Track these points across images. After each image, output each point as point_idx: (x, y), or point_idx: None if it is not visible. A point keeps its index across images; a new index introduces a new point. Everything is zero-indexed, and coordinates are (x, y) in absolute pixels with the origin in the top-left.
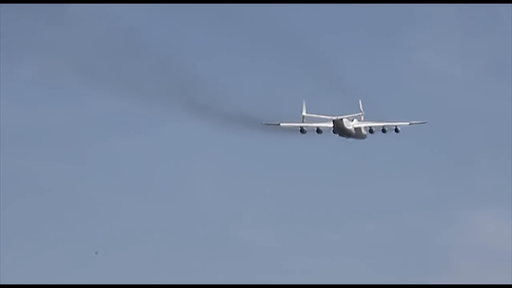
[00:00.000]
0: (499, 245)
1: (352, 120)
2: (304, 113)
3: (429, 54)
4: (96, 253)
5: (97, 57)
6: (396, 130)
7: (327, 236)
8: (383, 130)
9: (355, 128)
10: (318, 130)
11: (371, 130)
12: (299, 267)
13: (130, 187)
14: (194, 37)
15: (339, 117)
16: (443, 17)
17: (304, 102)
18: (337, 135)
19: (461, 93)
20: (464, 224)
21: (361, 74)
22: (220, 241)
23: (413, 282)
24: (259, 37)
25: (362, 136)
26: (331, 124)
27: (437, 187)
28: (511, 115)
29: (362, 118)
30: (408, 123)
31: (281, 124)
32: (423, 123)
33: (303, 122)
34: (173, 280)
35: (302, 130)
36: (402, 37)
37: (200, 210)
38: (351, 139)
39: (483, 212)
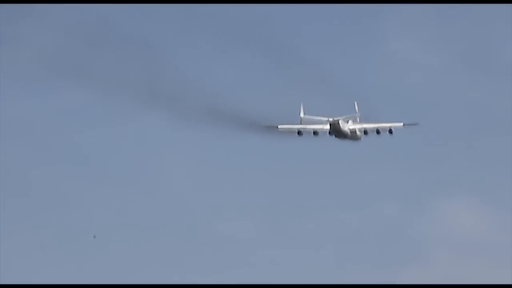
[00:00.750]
0: (472, 234)
1: (348, 122)
2: (301, 115)
3: (403, 44)
4: (94, 236)
5: (75, 50)
6: (390, 131)
7: (304, 227)
8: (377, 132)
9: (351, 130)
10: (315, 132)
11: (365, 132)
12: (277, 257)
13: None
14: (189, 39)
15: (335, 119)
16: (415, 6)
17: (302, 104)
18: (333, 136)
19: (434, 81)
20: (438, 213)
21: (335, 64)
22: (205, 234)
23: (388, 270)
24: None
25: (357, 138)
26: (327, 126)
27: (411, 177)
28: (484, 104)
29: (358, 119)
30: (401, 124)
31: (279, 127)
32: (415, 124)
33: (300, 123)
34: (151, 273)
35: (299, 132)
36: (376, 27)
37: (187, 205)
38: (346, 141)
39: (457, 201)
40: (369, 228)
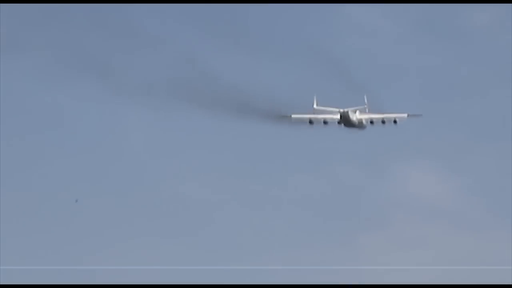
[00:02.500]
0: (431, 198)
1: (355, 112)
2: (315, 106)
3: (360, 8)
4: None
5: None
6: (395, 122)
7: (263, 190)
8: (383, 121)
9: (358, 120)
10: (325, 121)
11: (371, 121)
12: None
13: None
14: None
15: (345, 110)
16: None
17: (315, 97)
18: (342, 125)
19: (391, 47)
20: (398, 177)
21: (292, 30)
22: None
23: (346, 234)
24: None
25: (363, 127)
26: (337, 116)
27: (371, 141)
28: (441, 69)
29: (367, 110)
30: (406, 115)
31: (293, 116)
32: (419, 115)
33: (314, 114)
34: (114, 238)
35: (310, 121)
36: None
37: (148, 169)
38: (353, 129)
39: (416, 165)
40: (328, 192)
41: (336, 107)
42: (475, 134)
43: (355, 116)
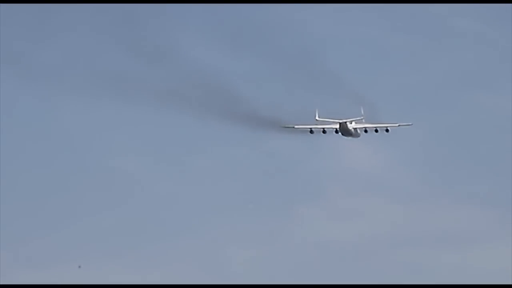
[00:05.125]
0: (366, 170)
1: (351, 123)
2: (317, 118)
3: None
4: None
5: None
6: (387, 130)
7: (199, 163)
8: (376, 130)
9: (354, 129)
10: (324, 131)
11: (365, 130)
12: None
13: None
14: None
15: (344, 121)
16: None
17: (317, 110)
18: (340, 134)
19: (326, 18)
20: (332, 148)
21: (248, 14)
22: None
23: (283, 205)
24: None
25: (358, 135)
26: (336, 126)
27: (305, 113)
28: (376, 39)
29: (363, 121)
30: (397, 125)
31: (296, 126)
32: (409, 124)
33: (315, 125)
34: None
35: (311, 131)
36: None
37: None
38: (349, 138)
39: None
40: (264, 164)
41: (335, 119)
42: (409, 105)
43: (351, 126)
